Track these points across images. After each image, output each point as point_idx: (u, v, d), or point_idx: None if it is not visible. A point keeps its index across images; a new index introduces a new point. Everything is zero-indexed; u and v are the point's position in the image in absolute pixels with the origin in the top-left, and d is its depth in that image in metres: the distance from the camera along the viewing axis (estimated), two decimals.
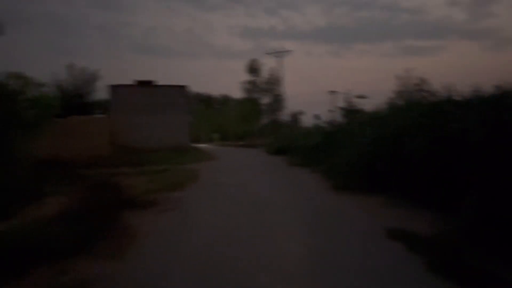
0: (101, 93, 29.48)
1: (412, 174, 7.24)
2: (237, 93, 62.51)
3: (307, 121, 61.69)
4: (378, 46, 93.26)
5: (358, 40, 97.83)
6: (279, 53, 38.54)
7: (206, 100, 74.04)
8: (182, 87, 28.36)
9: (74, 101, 26.10)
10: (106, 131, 21.24)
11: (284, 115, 44.29)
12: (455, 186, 5.92)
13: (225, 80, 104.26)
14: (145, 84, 27.38)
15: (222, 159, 21.52)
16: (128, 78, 23.19)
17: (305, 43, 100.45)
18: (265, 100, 43.82)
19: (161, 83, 28.37)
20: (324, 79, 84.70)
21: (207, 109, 64.07)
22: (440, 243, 4.84)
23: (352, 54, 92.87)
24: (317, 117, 38.23)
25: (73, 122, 19.03)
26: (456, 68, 66.71)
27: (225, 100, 73.55)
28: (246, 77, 42.72)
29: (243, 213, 7.05)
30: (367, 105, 17.02)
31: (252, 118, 44.47)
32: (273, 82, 42.27)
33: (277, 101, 43.50)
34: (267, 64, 51.24)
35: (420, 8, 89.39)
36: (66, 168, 15.60)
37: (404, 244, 5.01)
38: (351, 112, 18.49)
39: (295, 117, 63.66)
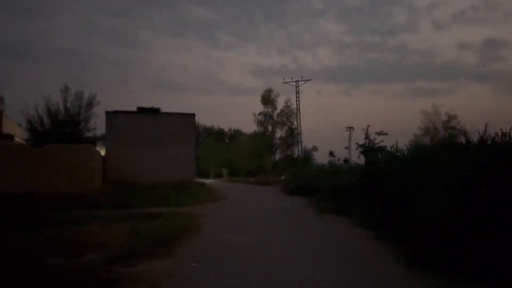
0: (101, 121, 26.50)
1: None
2: (248, 129, 59.95)
3: (320, 158, 58.10)
4: (388, 86, 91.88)
5: (368, 80, 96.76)
6: (296, 82, 35.51)
7: (216, 134, 71.24)
8: (188, 115, 25.20)
9: (66, 128, 22.99)
10: (96, 163, 17.88)
11: (300, 150, 40.70)
12: None
13: (236, 116, 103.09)
14: (146, 111, 24.28)
15: (232, 199, 17.87)
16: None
17: (315, 82, 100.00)
18: (279, 133, 40.54)
19: (165, 110, 25.31)
20: (334, 117, 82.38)
21: (217, 143, 60.82)
22: None
23: (362, 93, 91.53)
24: (332, 154, 34.79)
25: (52, 152, 15.69)
26: (467, 110, 64.08)
27: (237, 134, 70.68)
28: (260, 109, 39.71)
29: None
30: (388, 143, 14.26)
31: (264, 153, 41.01)
32: (289, 114, 39.08)
33: (292, 135, 40.14)
34: (283, 96, 48.26)
35: (430, 50, 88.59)
36: (31, 209, 12.12)
37: None
38: (372, 149, 15.55)
39: (308, 153, 60.14)
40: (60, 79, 78.21)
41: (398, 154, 12.57)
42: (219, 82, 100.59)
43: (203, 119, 73.22)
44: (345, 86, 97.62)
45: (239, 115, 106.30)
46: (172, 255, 6.75)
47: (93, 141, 25.33)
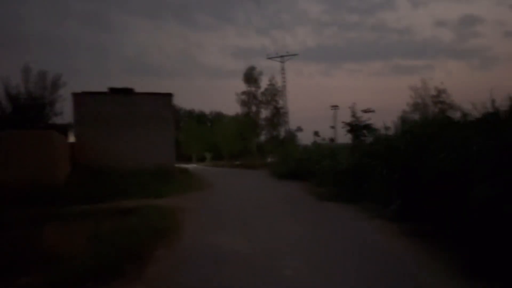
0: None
1: None
2: (231, 111, 57.65)
3: (304, 138, 56.43)
4: (367, 65, 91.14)
5: (348, 60, 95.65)
6: (282, 57, 33.37)
7: (197, 117, 68.65)
8: (165, 95, 22.80)
9: (29, 113, 20.47)
10: (59, 150, 15.59)
11: (287, 131, 38.81)
12: None
13: (218, 99, 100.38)
14: (119, 92, 21.83)
15: (218, 187, 15.94)
16: None
17: (296, 63, 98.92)
18: (264, 113, 38.48)
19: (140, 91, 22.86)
20: (316, 97, 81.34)
21: (199, 126, 58.34)
22: None
23: (342, 73, 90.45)
24: (317, 134, 33.24)
25: (3, 139, 13.35)
26: (445, 87, 63.85)
27: (219, 117, 68.19)
28: (243, 88, 37.44)
29: None
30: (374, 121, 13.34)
31: (249, 135, 39.00)
32: (274, 93, 37.00)
33: (278, 115, 38.18)
34: (266, 76, 45.76)
35: (407, 28, 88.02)
36: None
37: None
38: (358, 127, 14.16)
39: (293, 133, 58.48)
40: (32, 65, 73.68)
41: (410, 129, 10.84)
42: (198, 65, 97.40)
43: (183, 103, 70.39)
44: (325, 66, 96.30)
45: (221, 98, 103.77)
46: (141, 276, 4.81)
47: (65, 127, 22.78)
